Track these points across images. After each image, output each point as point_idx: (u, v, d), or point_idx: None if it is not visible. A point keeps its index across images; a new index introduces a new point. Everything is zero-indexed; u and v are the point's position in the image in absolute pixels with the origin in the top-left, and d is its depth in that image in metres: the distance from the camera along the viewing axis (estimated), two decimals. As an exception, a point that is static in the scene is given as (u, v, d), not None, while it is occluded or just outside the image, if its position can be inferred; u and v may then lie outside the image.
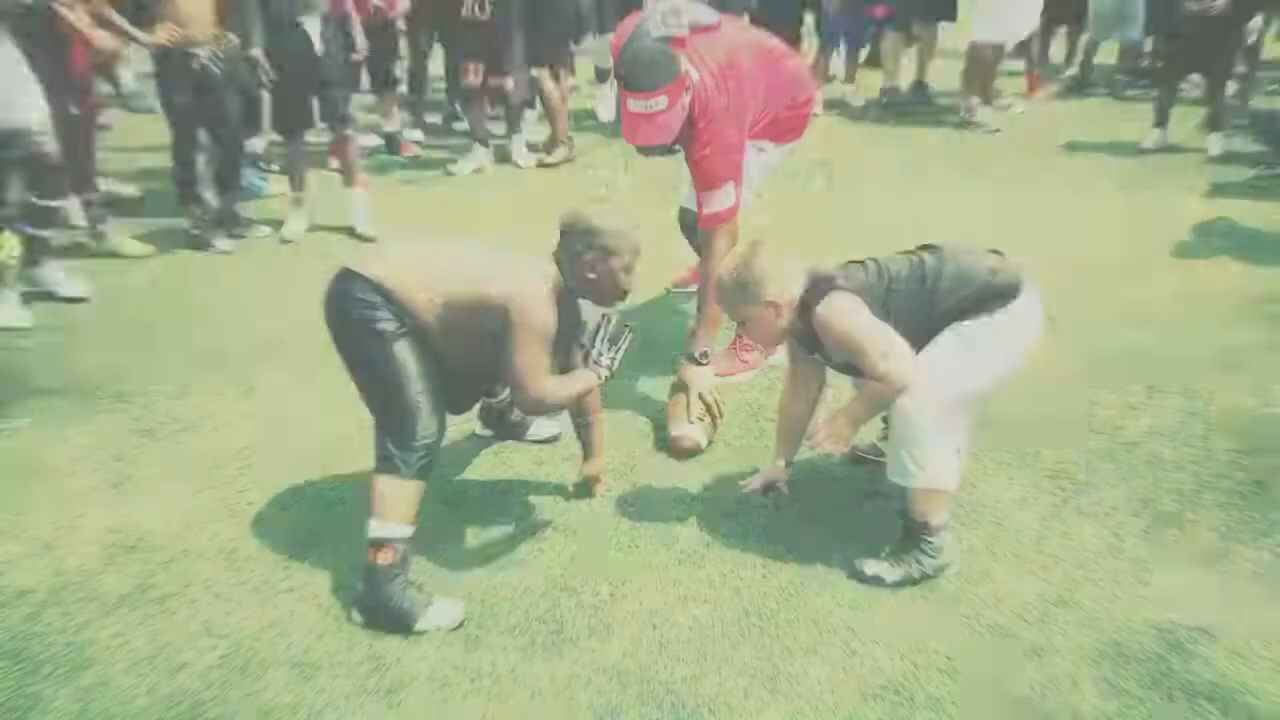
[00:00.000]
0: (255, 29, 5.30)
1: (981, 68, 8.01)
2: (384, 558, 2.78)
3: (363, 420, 3.70)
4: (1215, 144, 7.12)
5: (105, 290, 4.90)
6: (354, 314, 2.85)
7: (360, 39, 5.80)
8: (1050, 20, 8.64)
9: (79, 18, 4.76)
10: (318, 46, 5.38)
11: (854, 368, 2.94)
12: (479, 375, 3.11)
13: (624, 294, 3.05)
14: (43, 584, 2.94)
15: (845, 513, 3.28)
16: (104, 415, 3.83)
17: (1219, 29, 6.82)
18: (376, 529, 2.80)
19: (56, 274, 4.78)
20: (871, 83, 8.80)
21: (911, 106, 8.55)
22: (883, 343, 2.81)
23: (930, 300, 2.89)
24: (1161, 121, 7.35)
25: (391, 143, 7.30)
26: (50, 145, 4.53)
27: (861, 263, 3.01)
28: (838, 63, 9.05)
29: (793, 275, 2.93)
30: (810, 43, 8.82)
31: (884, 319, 2.85)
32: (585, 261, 2.95)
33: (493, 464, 3.53)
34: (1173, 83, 7.38)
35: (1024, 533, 3.16)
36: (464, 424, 3.59)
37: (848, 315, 2.84)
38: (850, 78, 8.52)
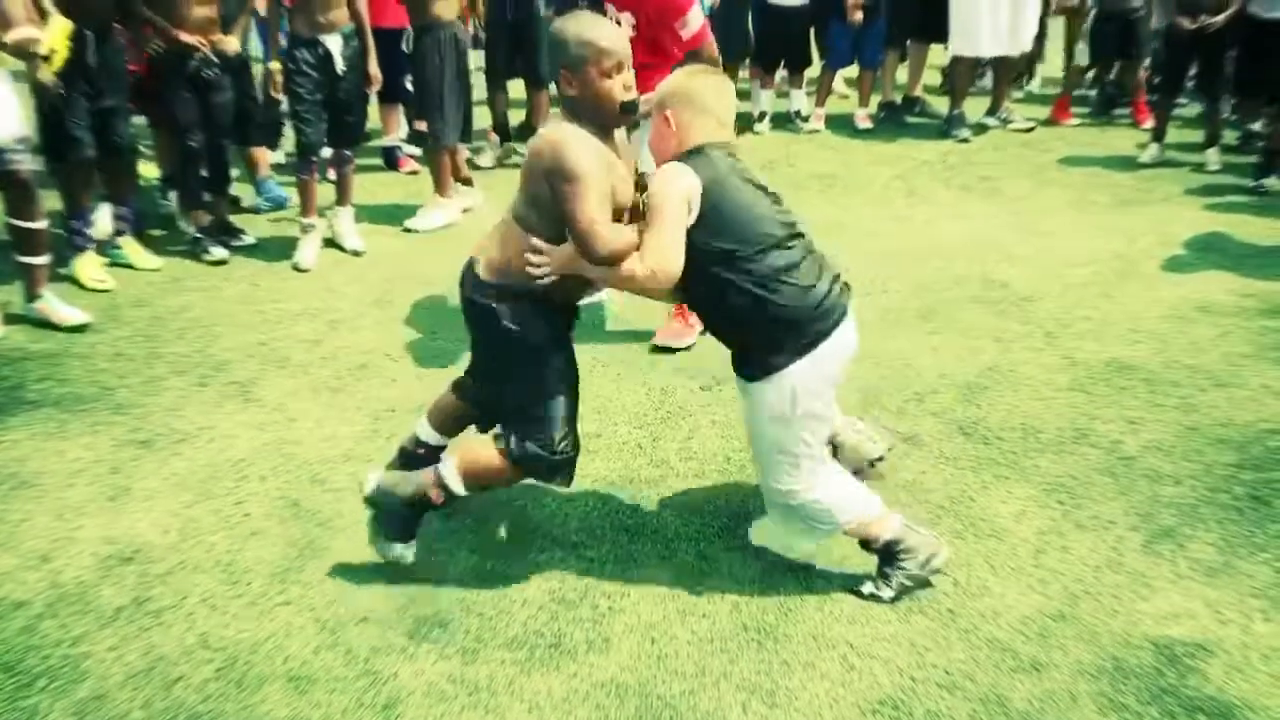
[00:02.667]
0: (273, 42, 5.29)
1: (957, 80, 8.26)
2: (435, 495, 2.94)
3: (360, 432, 3.75)
4: (1212, 159, 7.15)
5: (103, 301, 4.89)
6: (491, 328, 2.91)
7: (374, 68, 5.43)
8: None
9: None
10: (338, 66, 5.22)
11: None
12: None
13: (620, 106, 2.79)
14: (39, 596, 2.93)
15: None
16: (101, 427, 3.82)
17: (1215, 45, 6.86)
18: (449, 476, 2.92)
19: (52, 305, 4.61)
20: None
21: (906, 119, 8.62)
22: (667, 233, 2.70)
23: (765, 296, 2.77)
24: (1159, 136, 7.38)
25: (389, 157, 7.27)
26: (26, 166, 4.42)
27: (771, 193, 2.90)
28: (840, 81, 9.10)
29: (700, 115, 2.84)
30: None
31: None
32: (564, 82, 2.79)
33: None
34: (1170, 99, 7.41)
35: (1022, 547, 3.16)
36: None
37: (669, 184, 2.74)
38: (865, 101, 8.52)
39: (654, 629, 2.81)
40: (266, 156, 6.38)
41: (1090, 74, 9.10)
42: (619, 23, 4.22)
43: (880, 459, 3.36)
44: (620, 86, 2.78)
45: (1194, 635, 2.78)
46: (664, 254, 2.70)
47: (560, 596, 2.94)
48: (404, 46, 5.67)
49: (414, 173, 7.09)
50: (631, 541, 3.18)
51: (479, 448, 2.99)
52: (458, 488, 2.94)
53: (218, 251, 5.44)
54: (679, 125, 2.84)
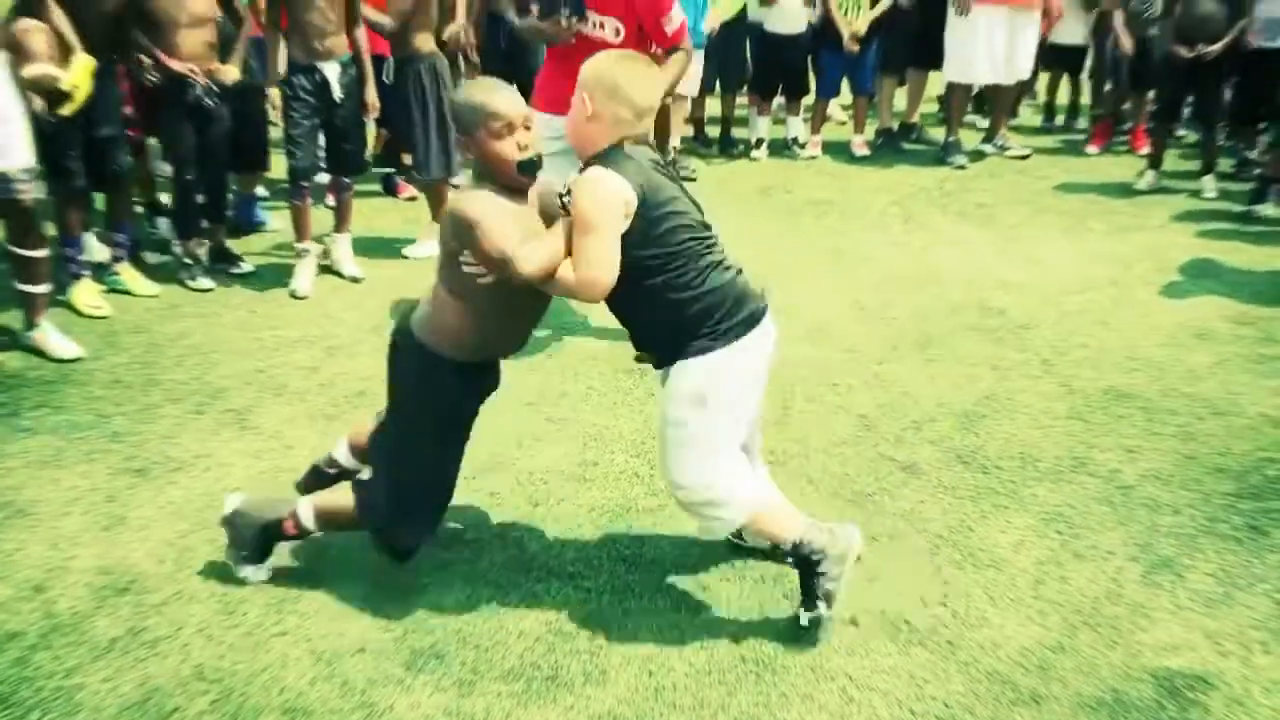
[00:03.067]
0: (273, 67, 5.26)
1: (953, 108, 8.32)
2: (289, 526, 3.05)
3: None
4: (1208, 186, 7.18)
5: (101, 328, 4.89)
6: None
7: (371, 96, 5.41)
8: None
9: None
10: (335, 93, 5.22)
11: None
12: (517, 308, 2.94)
13: (515, 167, 2.77)
14: (33, 627, 2.91)
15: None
16: (96, 455, 3.80)
17: (1212, 74, 6.90)
18: (304, 513, 3.03)
19: (48, 336, 4.59)
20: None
21: (903, 146, 8.66)
22: (600, 243, 2.64)
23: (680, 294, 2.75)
24: (1155, 163, 7.41)
25: (388, 184, 7.27)
26: (30, 196, 4.42)
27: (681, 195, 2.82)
28: (837, 108, 9.15)
29: (627, 112, 2.76)
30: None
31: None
32: (463, 146, 2.86)
33: (487, 505, 3.51)
34: (1167, 126, 7.45)
35: (1021, 577, 3.15)
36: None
37: (601, 191, 2.67)
38: (860, 128, 8.56)
39: (651, 661, 2.80)
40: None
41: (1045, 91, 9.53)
42: (601, 27, 4.39)
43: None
44: (514, 147, 2.76)
45: (1194, 667, 2.77)
46: (598, 265, 2.65)
47: (557, 628, 2.92)
48: (385, 78, 5.64)
49: (412, 199, 7.08)
50: (629, 572, 3.17)
51: (341, 491, 3.10)
52: (310, 524, 3.05)
53: (204, 281, 5.42)
54: (596, 114, 2.76)
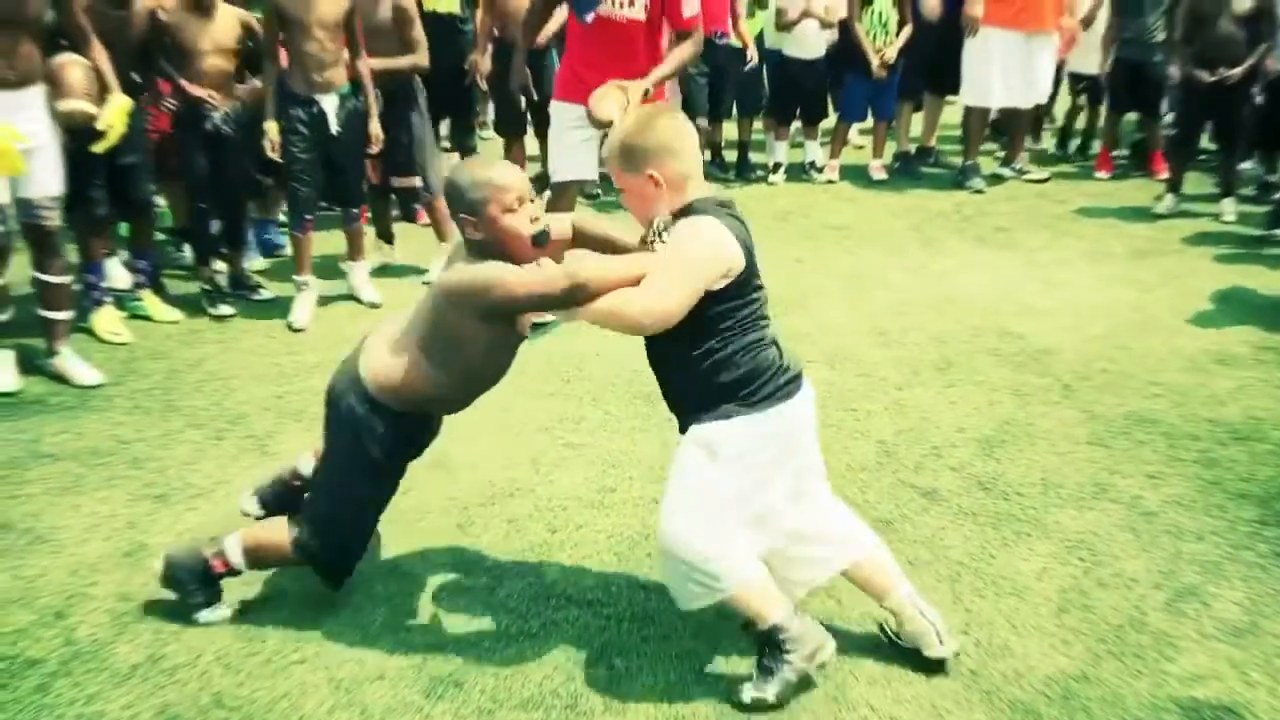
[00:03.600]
0: (270, 100, 5.17)
1: (971, 131, 8.28)
2: (217, 564, 3.04)
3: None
4: (1228, 210, 7.15)
5: (122, 353, 4.92)
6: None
7: (375, 128, 5.38)
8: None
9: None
10: (332, 126, 5.18)
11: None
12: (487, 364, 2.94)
13: (530, 240, 2.72)
14: (53, 654, 2.92)
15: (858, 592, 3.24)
16: (117, 481, 3.82)
17: (1234, 97, 6.88)
18: (231, 549, 3.03)
19: (69, 363, 4.63)
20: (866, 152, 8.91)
21: (920, 170, 8.67)
22: (681, 281, 2.56)
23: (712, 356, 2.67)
24: (1174, 187, 7.38)
25: (406, 208, 7.18)
26: (53, 222, 4.48)
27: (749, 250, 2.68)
28: (854, 132, 9.17)
29: (688, 164, 2.67)
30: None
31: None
32: (468, 227, 2.74)
33: (505, 531, 3.51)
34: (1188, 149, 7.43)
35: (1044, 606, 3.12)
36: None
37: (694, 242, 2.59)
38: (879, 152, 8.57)
39: (672, 690, 2.78)
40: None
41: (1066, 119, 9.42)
42: (629, 4, 4.75)
43: (939, 660, 2.85)
44: (525, 220, 2.72)
45: (1221, 697, 2.73)
46: (672, 301, 2.55)
47: (576, 656, 2.91)
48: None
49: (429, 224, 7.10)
50: (648, 599, 3.15)
51: (269, 526, 3.09)
52: (237, 560, 3.04)
53: (224, 308, 5.44)
54: (669, 181, 2.64)
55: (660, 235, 2.66)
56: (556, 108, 5.24)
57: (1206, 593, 3.17)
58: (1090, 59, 8.33)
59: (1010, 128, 8.57)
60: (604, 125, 4.23)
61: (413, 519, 3.54)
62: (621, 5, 4.79)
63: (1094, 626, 3.03)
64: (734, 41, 7.90)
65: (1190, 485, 3.78)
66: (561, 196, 5.53)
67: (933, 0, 8.02)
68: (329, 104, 5.14)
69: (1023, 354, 4.94)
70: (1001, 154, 8.77)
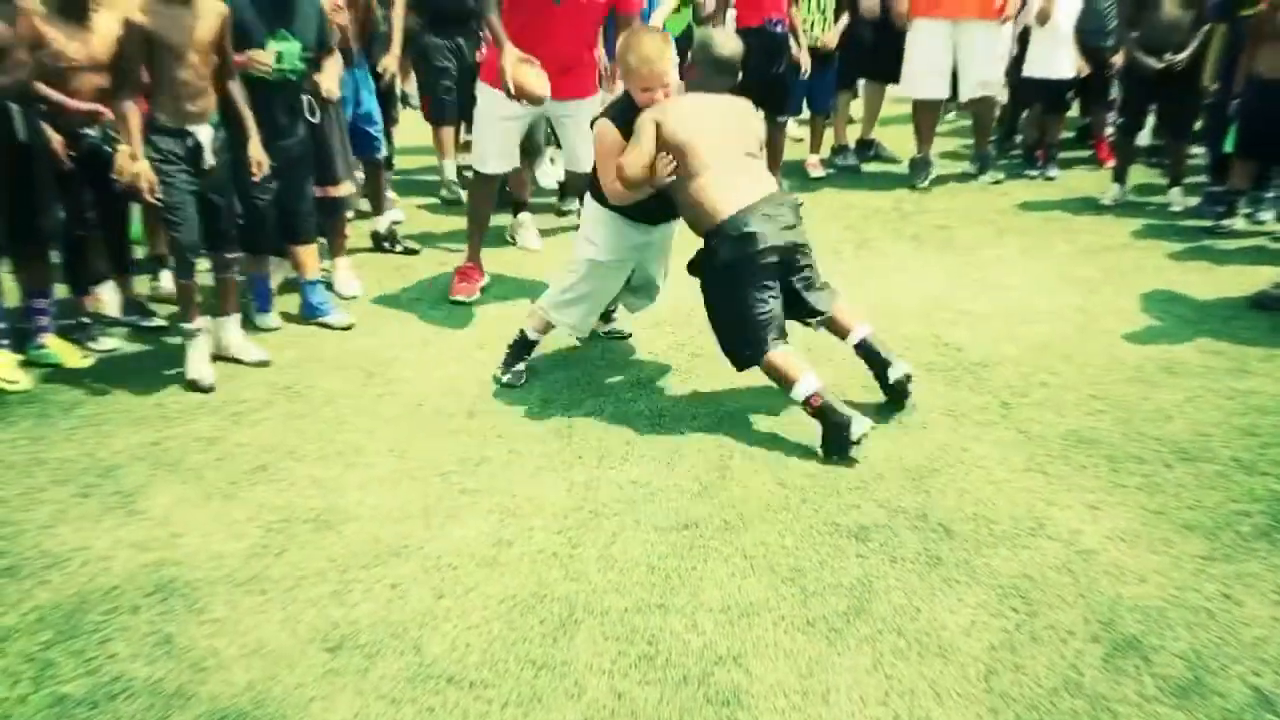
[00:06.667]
0: (133, 136, 4.45)
1: (920, 124, 7.95)
2: None
3: (248, 549, 3.38)
4: (1177, 199, 6.93)
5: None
6: None
7: (257, 151, 4.74)
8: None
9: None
10: (207, 159, 4.58)
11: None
12: None
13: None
14: None
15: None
16: (-34, 550, 3.46)
17: (1181, 84, 6.65)
18: None
19: None
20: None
21: (860, 164, 8.37)
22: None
23: None
24: (1120, 177, 7.15)
25: (389, 240, 6.54)
26: None
27: None
28: (792, 125, 8.85)
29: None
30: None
31: None
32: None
33: (388, 598, 3.18)
34: (1131, 138, 7.21)
35: (972, 666, 2.84)
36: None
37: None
38: (816, 147, 8.25)
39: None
40: (311, 257, 5.49)
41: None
42: None
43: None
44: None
45: (1162, 778, 2.47)
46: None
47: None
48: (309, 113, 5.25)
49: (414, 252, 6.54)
50: (537, 678, 2.84)
51: None
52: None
53: (105, 342, 5.04)
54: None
55: None
56: (487, 91, 5.17)
57: (1149, 645, 2.91)
58: (1056, 63, 7.77)
59: (974, 122, 8.23)
60: (539, 100, 4.83)
61: (285, 587, 3.22)
62: None
63: (1025, 690, 2.75)
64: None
65: (1133, 516, 3.52)
66: (484, 186, 5.35)
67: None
68: (204, 135, 4.57)
69: (959, 367, 4.66)
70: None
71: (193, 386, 4.60)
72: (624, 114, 4.17)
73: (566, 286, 4.52)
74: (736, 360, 4.15)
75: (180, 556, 3.39)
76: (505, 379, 4.54)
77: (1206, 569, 3.24)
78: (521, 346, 4.57)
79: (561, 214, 7.15)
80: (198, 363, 4.68)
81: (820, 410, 3.89)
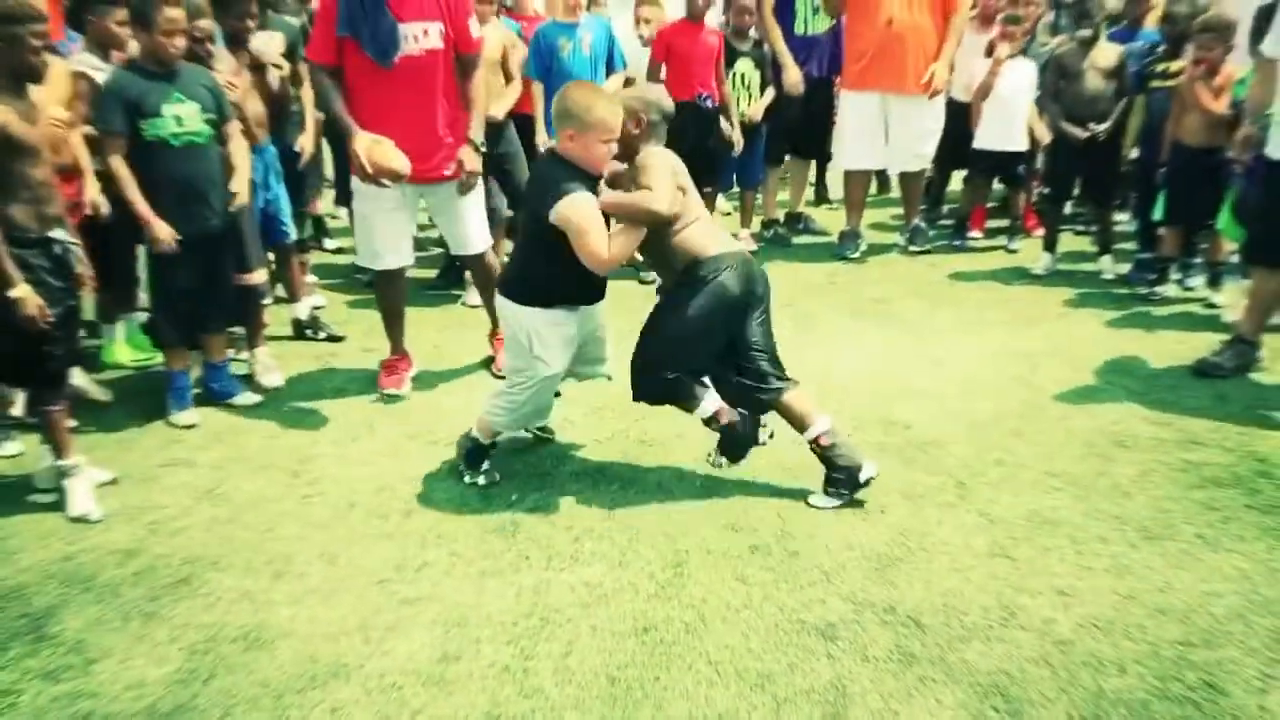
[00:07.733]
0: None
1: (850, 195, 7.92)
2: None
3: (169, 676, 3.06)
4: (1107, 267, 6.98)
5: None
6: None
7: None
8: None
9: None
10: (76, 265, 4.14)
11: None
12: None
13: None
14: None
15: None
16: None
17: (1105, 153, 6.74)
18: None
19: None
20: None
21: (790, 239, 8.32)
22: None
23: None
24: (1050, 246, 7.20)
25: (310, 327, 6.25)
26: None
27: None
28: (721, 200, 8.81)
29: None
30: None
31: None
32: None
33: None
34: (1059, 207, 7.28)
35: (958, 779, 2.68)
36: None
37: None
38: (747, 221, 8.18)
39: None
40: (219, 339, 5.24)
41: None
42: (423, 35, 4.72)
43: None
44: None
45: None
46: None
47: None
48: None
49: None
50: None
51: None
52: None
53: (8, 446, 4.67)
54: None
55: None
56: (359, 189, 4.94)
57: (1138, 745, 2.77)
58: (1004, 134, 7.58)
59: (903, 193, 8.20)
60: (400, 176, 4.59)
61: (214, 718, 2.95)
62: (418, 38, 4.70)
63: (1017, 803, 2.59)
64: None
65: (1104, 602, 3.40)
66: (389, 283, 5.15)
67: (794, 76, 7.67)
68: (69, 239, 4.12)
69: (911, 446, 4.55)
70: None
71: (83, 519, 4.07)
72: (583, 179, 3.88)
73: (518, 403, 4.15)
74: (647, 381, 4.09)
75: (96, 687, 3.10)
76: (481, 481, 4.27)
77: (1186, 655, 3.12)
78: (477, 452, 4.29)
79: None
80: (77, 495, 4.13)
81: (826, 450, 4.05)
